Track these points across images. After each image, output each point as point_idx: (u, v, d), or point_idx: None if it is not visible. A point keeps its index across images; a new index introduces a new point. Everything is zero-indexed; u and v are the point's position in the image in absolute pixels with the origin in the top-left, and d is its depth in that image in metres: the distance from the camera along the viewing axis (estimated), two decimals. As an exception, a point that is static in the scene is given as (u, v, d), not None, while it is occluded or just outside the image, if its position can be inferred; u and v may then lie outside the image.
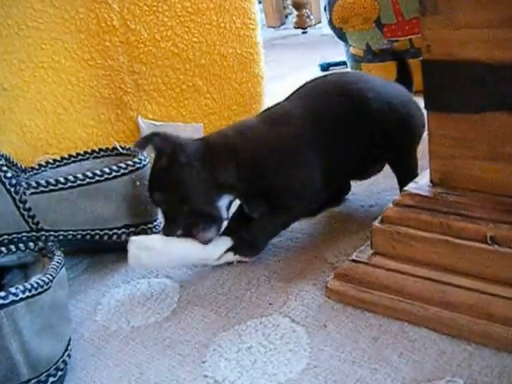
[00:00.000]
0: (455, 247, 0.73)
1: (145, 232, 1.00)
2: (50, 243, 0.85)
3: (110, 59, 1.30)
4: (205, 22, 1.39)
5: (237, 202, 0.96)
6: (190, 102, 1.40)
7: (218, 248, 0.91)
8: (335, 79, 1.01)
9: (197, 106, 1.41)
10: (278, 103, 0.99)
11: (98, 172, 0.95)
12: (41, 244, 0.85)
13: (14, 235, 0.94)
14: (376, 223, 0.80)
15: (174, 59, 1.37)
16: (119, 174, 0.96)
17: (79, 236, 0.97)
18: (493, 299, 0.69)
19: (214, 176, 0.89)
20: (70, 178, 0.94)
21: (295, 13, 3.18)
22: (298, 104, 0.96)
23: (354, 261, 0.82)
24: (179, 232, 0.90)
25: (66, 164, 1.05)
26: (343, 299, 0.80)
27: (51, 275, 0.74)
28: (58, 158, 1.06)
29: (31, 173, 1.02)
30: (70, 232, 0.96)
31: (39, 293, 0.70)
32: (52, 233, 0.95)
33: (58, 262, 0.77)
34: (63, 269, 0.78)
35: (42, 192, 0.93)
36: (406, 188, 0.81)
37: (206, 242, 0.90)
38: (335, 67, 2.09)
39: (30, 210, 0.93)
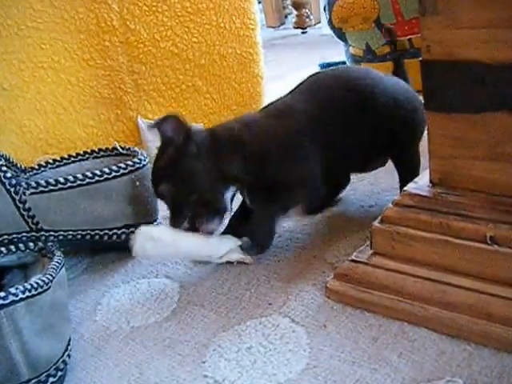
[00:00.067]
0: (455, 247, 0.73)
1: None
2: (49, 243, 0.85)
3: (109, 59, 1.30)
4: (204, 22, 1.40)
5: (239, 198, 0.96)
6: (189, 102, 1.40)
7: (223, 246, 0.91)
8: (340, 73, 1.02)
9: (196, 105, 1.41)
10: (281, 98, 0.99)
11: (97, 172, 0.95)
12: (41, 244, 0.85)
13: (14, 235, 0.94)
14: (376, 223, 0.80)
15: (174, 59, 1.37)
16: (119, 174, 0.96)
17: (79, 236, 0.97)
18: (492, 299, 0.69)
19: (220, 168, 0.90)
20: (70, 178, 0.94)
21: (295, 13, 3.17)
22: (301, 99, 0.96)
23: (353, 261, 0.82)
24: (186, 224, 0.90)
25: (65, 164, 1.05)
26: (343, 299, 0.80)
27: (51, 275, 0.74)
28: (58, 158, 1.05)
29: (31, 173, 1.02)
30: (70, 232, 0.96)
31: (39, 293, 0.70)
32: (52, 233, 0.95)
33: (57, 262, 0.77)
34: (63, 269, 0.78)
35: (42, 192, 0.93)
36: (405, 188, 0.81)
37: (209, 234, 0.90)
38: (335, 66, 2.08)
39: (29, 210, 0.93)
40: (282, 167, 0.91)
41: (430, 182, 0.79)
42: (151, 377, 0.72)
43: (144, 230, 0.88)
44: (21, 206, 0.92)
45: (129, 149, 1.05)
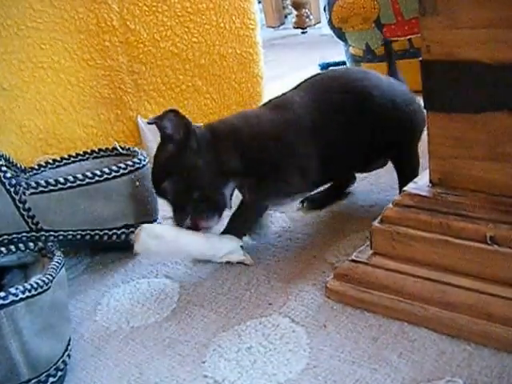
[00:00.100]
0: (455, 247, 0.73)
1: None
2: (49, 243, 0.85)
3: (109, 59, 1.30)
4: (204, 22, 1.40)
5: (238, 197, 0.96)
6: (189, 102, 1.40)
7: (225, 246, 0.91)
8: (340, 75, 1.02)
9: (196, 105, 1.41)
10: (283, 93, 0.99)
11: (97, 172, 0.95)
12: (40, 244, 0.85)
13: (14, 235, 0.94)
14: (376, 223, 0.80)
15: (174, 59, 1.37)
16: (119, 174, 0.96)
17: (79, 236, 0.97)
18: (492, 299, 0.69)
19: (220, 163, 0.90)
20: (70, 178, 0.94)
21: (294, 13, 3.17)
22: (302, 96, 0.97)
23: (353, 261, 0.82)
24: (188, 221, 0.90)
25: (65, 164, 1.05)
26: (343, 299, 0.80)
27: (51, 275, 0.74)
28: (58, 158, 1.05)
29: (31, 173, 1.02)
30: (70, 232, 0.96)
31: (39, 293, 0.70)
32: (52, 233, 0.95)
33: (57, 262, 0.77)
34: (63, 269, 0.78)
35: (42, 192, 0.93)
36: (405, 188, 0.81)
37: (207, 230, 0.91)
38: (335, 67, 2.08)
39: (29, 210, 0.93)
40: (278, 158, 0.91)
41: (430, 182, 0.79)
42: (151, 377, 0.72)
43: (147, 227, 0.88)
44: (21, 206, 0.92)
45: (129, 149, 1.05)
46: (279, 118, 0.94)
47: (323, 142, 0.93)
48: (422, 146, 0.92)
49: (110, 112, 1.33)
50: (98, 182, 0.95)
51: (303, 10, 3.13)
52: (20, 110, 1.23)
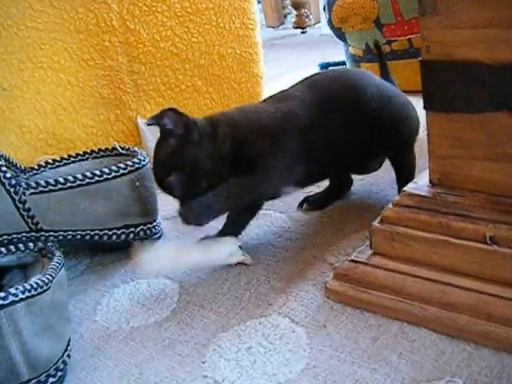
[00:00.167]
0: (454, 247, 0.73)
1: (144, 232, 1.00)
2: (49, 243, 0.85)
3: (109, 59, 1.30)
4: (204, 22, 1.40)
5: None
6: (189, 102, 1.40)
7: (224, 249, 0.91)
8: (338, 75, 1.03)
9: (196, 106, 1.41)
10: (282, 91, 0.99)
11: (97, 172, 0.95)
12: (40, 244, 0.85)
13: (14, 235, 0.94)
14: (375, 223, 0.80)
15: (174, 59, 1.37)
16: (119, 174, 0.96)
17: (79, 236, 0.97)
18: (492, 299, 0.69)
19: (219, 153, 0.90)
20: (70, 178, 0.94)
21: (294, 12, 3.17)
22: (301, 93, 0.97)
23: (353, 261, 0.82)
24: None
25: (65, 164, 1.05)
26: (342, 299, 0.80)
27: (51, 275, 0.74)
28: (58, 159, 1.05)
29: (31, 173, 1.02)
30: (70, 232, 0.96)
31: (39, 293, 0.70)
32: (51, 233, 0.95)
33: (57, 263, 0.77)
34: (63, 269, 0.78)
35: (42, 192, 0.93)
36: (405, 188, 0.81)
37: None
38: (334, 67, 2.08)
39: (29, 210, 0.93)
40: (263, 153, 0.91)
41: (430, 182, 0.79)
42: (151, 377, 0.72)
43: (148, 250, 0.87)
44: (20, 206, 0.92)
45: (128, 149, 1.05)
46: (274, 108, 0.94)
47: (320, 139, 0.94)
48: (422, 146, 0.92)
49: (110, 112, 1.33)
50: (97, 182, 0.95)
51: (303, 10, 3.13)
52: (20, 110, 1.23)
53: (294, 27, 3.19)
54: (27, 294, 0.69)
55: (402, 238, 0.77)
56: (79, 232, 0.96)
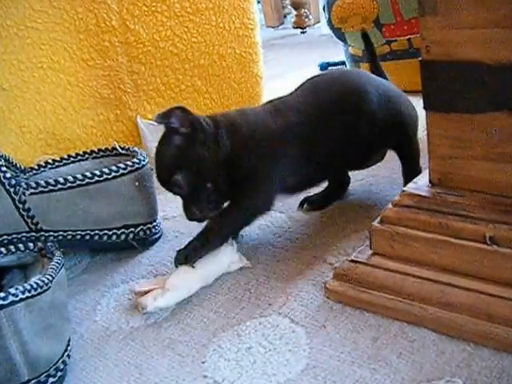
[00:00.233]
0: (454, 247, 0.73)
1: (144, 232, 1.00)
2: (49, 243, 0.85)
3: (109, 59, 1.30)
4: (204, 22, 1.40)
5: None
6: (189, 102, 1.40)
7: (225, 259, 0.90)
8: (336, 76, 1.03)
9: (196, 106, 1.41)
10: (283, 96, 1.00)
11: (97, 172, 0.95)
12: (40, 244, 0.85)
13: (14, 235, 0.94)
14: (375, 223, 0.80)
15: (173, 59, 1.37)
16: (118, 174, 0.96)
17: (78, 236, 0.97)
18: (492, 299, 0.69)
19: (219, 153, 0.90)
20: (70, 178, 0.94)
21: (294, 12, 3.17)
22: (299, 99, 0.98)
23: (353, 261, 0.82)
24: (197, 212, 0.90)
25: (65, 164, 1.05)
26: (342, 299, 0.80)
27: (51, 276, 0.74)
28: (58, 159, 1.05)
29: (30, 173, 1.02)
30: (70, 232, 0.96)
31: (39, 293, 0.70)
32: (51, 233, 0.95)
33: (57, 263, 0.77)
34: (62, 269, 0.78)
35: (42, 192, 0.93)
36: (405, 188, 0.81)
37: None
38: (334, 67, 2.08)
39: (29, 210, 0.93)
40: (258, 163, 0.91)
41: (430, 182, 0.79)
42: (151, 377, 0.72)
43: (148, 300, 0.84)
44: (20, 206, 0.92)
45: (128, 149, 1.05)
46: (273, 119, 0.94)
47: (321, 144, 0.95)
48: (422, 146, 0.92)
49: (110, 112, 1.33)
50: (97, 182, 0.95)
51: (302, 10, 3.13)
52: (20, 111, 1.23)
53: (294, 27, 3.19)
54: (27, 294, 0.69)
55: (402, 238, 0.77)
56: (79, 232, 0.97)
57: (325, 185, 1.09)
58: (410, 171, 0.94)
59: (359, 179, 1.14)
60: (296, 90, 1.01)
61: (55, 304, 0.74)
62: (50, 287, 0.72)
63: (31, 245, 0.84)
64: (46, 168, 1.04)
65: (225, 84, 1.46)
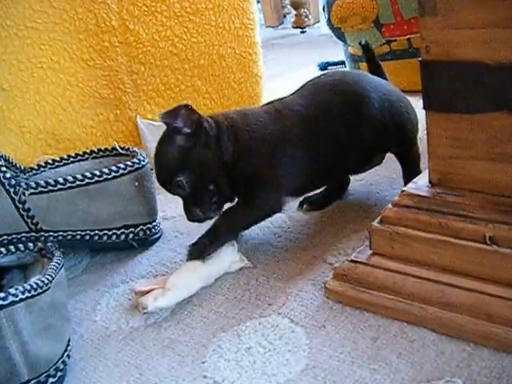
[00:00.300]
0: (454, 247, 0.73)
1: (144, 232, 1.00)
2: (49, 243, 0.85)
3: (108, 59, 1.30)
4: (203, 22, 1.40)
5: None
6: (188, 102, 1.39)
7: (226, 259, 0.90)
8: (337, 78, 1.03)
9: (195, 106, 1.39)
10: (283, 97, 1.00)
11: (97, 172, 0.95)
12: (40, 244, 0.85)
13: (14, 236, 0.94)
14: (375, 223, 0.80)
15: (173, 59, 1.37)
16: (118, 174, 0.96)
17: (78, 236, 0.97)
18: (492, 299, 0.69)
19: (220, 155, 0.90)
20: (69, 178, 0.94)
21: (293, 12, 3.17)
22: (300, 101, 0.97)
23: (352, 261, 0.82)
24: (200, 213, 0.90)
25: (65, 164, 1.05)
26: (342, 299, 0.80)
27: (50, 276, 0.74)
28: (57, 159, 1.05)
29: (30, 173, 1.02)
30: (69, 232, 0.96)
31: (39, 293, 0.70)
32: (51, 233, 0.95)
33: (57, 263, 0.77)
34: (62, 269, 0.78)
35: (42, 192, 0.93)
36: (404, 188, 0.81)
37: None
38: (334, 67, 2.09)
39: (29, 210, 0.93)
40: (261, 164, 0.92)
41: (430, 182, 0.79)
42: (151, 377, 0.72)
43: (149, 300, 0.84)
44: (20, 206, 0.92)
45: (128, 149, 1.05)
46: (274, 122, 0.94)
47: (322, 147, 0.95)
48: (422, 146, 0.92)
49: (110, 112, 1.33)
50: (97, 182, 0.95)
51: (302, 10, 3.13)
52: (19, 111, 1.23)
53: (294, 27, 3.19)
54: (27, 294, 0.69)
55: (402, 238, 0.77)
56: (79, 232, 0.97)
57: (325, 185, 1.09)
58: (411, 175, 0.93)
59: (359, 179, 1.14)
60: (297, 91, 1.01)
61: (55, 304, 0.74)
62: (49, 287, 0.72)
63: (31, 245, 0.84)
64: (45, 168, 1.04)
65: (224, 84, 1.46)
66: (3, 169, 0.92)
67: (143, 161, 1.00)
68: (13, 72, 1.20)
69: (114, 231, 0.98)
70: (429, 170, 0.79)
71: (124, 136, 1.34)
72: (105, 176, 0.95)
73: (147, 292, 0.84)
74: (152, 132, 1.30)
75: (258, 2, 3.23)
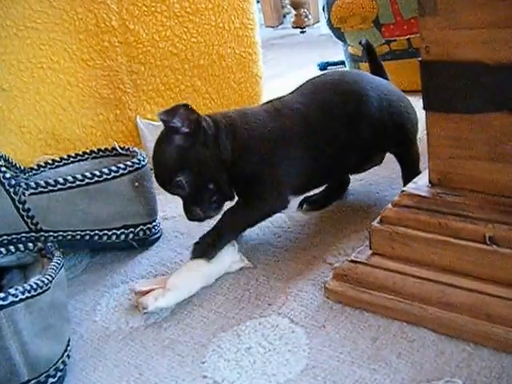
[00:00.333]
0: (454, 248, 0.73)
1: (144, 232, 1.00)
2: (49, 244, 0.85)
3: (108, 59, 1.30)
4: (203, 22, 1.40)
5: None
6: (188, 102, 1.39)
7: (226, 259, 0.90)
8: (337, 77, 1.03)
9: (195, 106, 1.39)
10: (282, 96, 1.00)
11: (96, 173, 0.95)
12: (40, 244, 0.85)
13: (14, 236, 0.94)
14: (375, 223, 0.80)
15: (173, 59, 1.37)
16: (118, 174, 0.96)
17: (78, 236, 0.97)
18: (492, 299, 0.69)
19: (220, 154, 0.90)
20: (69, 178, 0.94)
21: (293, 12, 3.17)
22: (301, 100, 0.97)
23: (352, 261, 0.82)
24: (200, 212, 0.90)
25: (64, 164, 1.05)
26: (342, 299, 0.80)
27: (50, 276, 0.74)
28: (57, 159, 1.05)
29: (30, 173, 1.02)
30: (69, 232, 0.96)
31: (38, 294, 0.70)
32: (51, 233, 0.95)
33: (57, 263, 0.77)
34: (62, 269, 0.78)
35: (41, 192, 0.93)
36: (404, 188, 0.81)
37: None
38: (334, 67, 2.09)
39: (29, 210, 0.93)
40: (265, 161, 0.92)
41: (430, 182, 0.79)
42: (150, 377, 0.72)
43: (150, 299, 0.84)
44: (20, 206, 0.92)
45: (128, 149, 1.05)
46: (273, 120, 0.94)
47: (321, 148, 0.95)
48: (422, 147, 0.92)
49: (110, 112, 1.33)
50: (97, 182, 0.95)
51: (302, 10, 3.13)
52: (19, 111, 1.23)
53: (293, 27, 3.19)
54: (27, 294, 0.69)
55: (402, 238, 0.77)
56: (79, 232, 0.97)
57: (324, 185, 1.09)
58: (410, 175, 0.93)
59: (359, 179, 1.14)
60: (295, 90, 1.01)
61: (55, 304, 0.74)
62: (49, 287, 0.72)
63: (31, 245, 0.84)
64: (45, 168, 1.04)
65: (224, 84, 1.46)
66: (3, 169, 0.92)
67: (143, 161, 1.00)
68: (13, 72, 1.20)
69: (114, 231, 0.98)
70: (429, 170, 0.79)
71: (124, 136, 1.35)
72: (105, 176, 0.95)
73: (147, 292, 0.84)
74: (152, 132, 1.30)
75: (258, 1, 3.23)
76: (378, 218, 0.81)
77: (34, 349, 0.69)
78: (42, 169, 1.04)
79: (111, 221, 0.98)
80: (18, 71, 1.21)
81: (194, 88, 1.42)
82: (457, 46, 0.70)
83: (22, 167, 1.02)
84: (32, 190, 0.93)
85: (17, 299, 0.68)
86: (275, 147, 0.92)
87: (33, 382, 0.70)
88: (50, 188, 0.93)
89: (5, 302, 0.67)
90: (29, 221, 0.93)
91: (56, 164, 1.05)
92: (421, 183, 0.80)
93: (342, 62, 1.95)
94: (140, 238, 1.01)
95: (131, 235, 0.99)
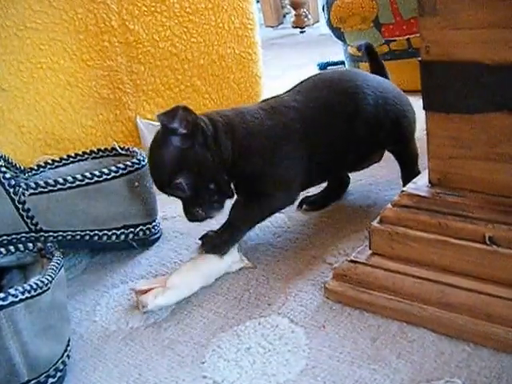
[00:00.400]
0: (454, 248, 0.73)
1: (143, 232, 1.00)
2: (48, 244, 0.85)
3: (108, 59, 1.30)
4: (203, 22, 1.40)
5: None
6: (188, 102, 1.40)
7: (227, 259, 0.90)
8: (334, 76, 1.03)
9: (195, 106, 1.41)
10: (279, 95, 1.00)
11: (96, 173, 0.95)
12: (40, 245, 0.85)
13: (13, 236, 0.94)
14: (374, 223, 0.80)
15: (173, 59, 1.37)
16: (118, 174, 0.96)
17: (78, 237, 0.97)
18: (491, 300, 0.69)
19: (219, 154, 0.90)
20: (69, 178, 0.94)
21: (293, 12, 3.17)
22: (297, 98, 0.97)
23: (352, 261, 0.82)
24: (202, 213, 0.90)
25: (64, 165, 1.05)
26: (342, 299, 0.80)
27: (50, 276, 0.74)
28: (57, 159, 1.05)
29: (30, 173, 1.02)
30: (69, 232, 0.96)
31: (38, 294, 0.70)
32: (51, 233, 0.95)
33: (57, 263, 0.77)
34: (62, 269, 0.78)
35: (41, 193, 0.93)
36: (404, 188, 0.81)
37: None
38: (333, 67, 2.09)
39: (29, 210, 0.93)
40: (265, 160, 0.91)
41: (429, 182, 0.79)
42: (150, 377, 0.72)
43: (149, 298, 0.84)
44: (20, 206, 0.92)
45: (128, 149, 1.05)
46: (271, 118, 0.94)
47: (318, 146, 0.95)
48: (422, 146, 0.92)
49: (109, 112, 1.33)
50: (97, 182, 0.95)
51: (301, 10, 3.13)
52: (19, 111, 1.23)
53: (293, 27, 3.19)
54: (27, 294, 0.69)
55: (402, 238, 0.77)
56: (78, 232, 0.97)
57: (324, 185, 1.09)
58: (408, 173, 0.93)
59: (358, 179, 1.14)
60: (292, 89, 1.00)
61: (55, 304, 0.74)
62: (49, 288, 0.72)
63: (31, 245, 0.84)
64: (45, 168, 1.04)
65: (224, 84, 1.46)
66: (3, 169, 0.92)
67: (143, 161, 1.00)
68: (13, 72, 1.20)
69: (114, 231, 0.98)
70: (429, 170, 0.79)
71: (124, 136, 1.35)
72: (104, 176, 0.95)
73: (147, 291, 0.84)
74: (151, 132, 1.29)
75: (258, 1, 3.23)
76: (378, 218, 0.81)
77: (33, 349, 0.69)
78: (41, 169, 1.04)
79: (111, 221, 0.98)
80: (18, 71, 1.21)
81: (194, 88, 1.42)
82: (457, 46, 0.71)
83: (22, 167, 1.02)
84: (32, 190, 0.93)
85: (17, 299, 0.68)
86: (274, 145, 0.92)
87: (33, 382, 0.70)
88: (50, 188, 0.93)
89: (5, 302, 0.67)
90: (29, 221, 0.93)
91: (56, 164, 1.05)
92: (420, 183, 0.80)
93: (342, 62, 1.96)
94: (140, 238, 1.01)
95: (131, 235, 0.99)
